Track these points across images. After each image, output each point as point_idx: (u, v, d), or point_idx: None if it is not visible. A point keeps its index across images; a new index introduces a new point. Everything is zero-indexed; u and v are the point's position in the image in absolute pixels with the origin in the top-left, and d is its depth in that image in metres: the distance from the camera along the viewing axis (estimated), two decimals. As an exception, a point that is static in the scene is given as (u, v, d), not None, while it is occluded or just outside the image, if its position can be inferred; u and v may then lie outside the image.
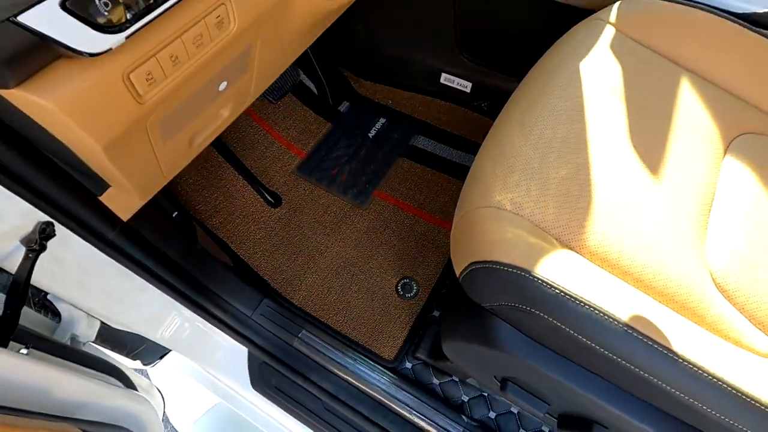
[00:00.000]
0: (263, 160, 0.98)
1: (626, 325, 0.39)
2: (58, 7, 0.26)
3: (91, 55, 0.29)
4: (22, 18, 0.25)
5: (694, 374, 0.39)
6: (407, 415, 0.72)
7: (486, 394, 0.74)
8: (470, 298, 0.50)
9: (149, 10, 0.30)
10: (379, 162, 1.01)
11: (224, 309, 0.75)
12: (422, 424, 0.71)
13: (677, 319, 0.43)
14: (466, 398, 0.74)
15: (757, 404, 0.39)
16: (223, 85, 0.48)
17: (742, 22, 0.63)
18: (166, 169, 0.50)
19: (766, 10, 0.63)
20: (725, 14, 0.63)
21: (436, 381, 0.76)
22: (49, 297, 0.60)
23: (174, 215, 0.74)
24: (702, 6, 0.63)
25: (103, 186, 0.46)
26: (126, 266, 0.56)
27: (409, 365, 0.77)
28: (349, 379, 0.74)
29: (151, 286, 0.62)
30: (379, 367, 0.76)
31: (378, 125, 1.06)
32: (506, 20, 0.85)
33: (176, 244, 0.68)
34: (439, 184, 0.98)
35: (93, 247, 0.50)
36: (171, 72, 0.36)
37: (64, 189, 0.43)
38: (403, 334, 0.80)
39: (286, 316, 0.79)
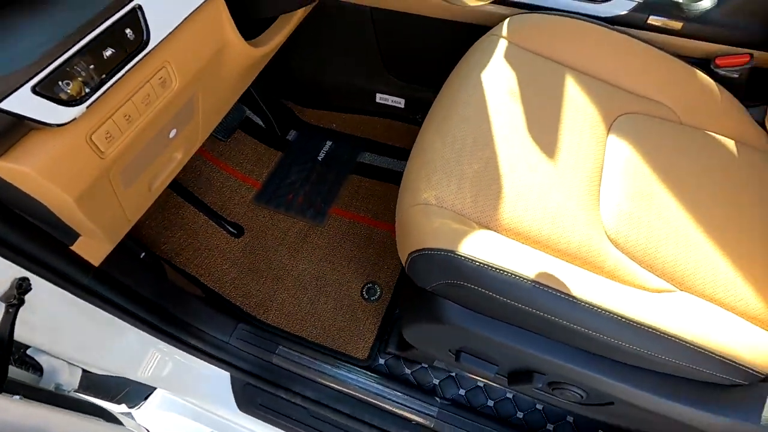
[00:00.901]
0: (221, 195, 1.03)
1: (534, 281, 0.48)
2: (30, 92, 0.32)
3: (59, 125, 0.35)
4: (2, 105, 0.31)
5: (593, 312, 0.48)
6: (386, 406, 0.79)
7: (454, 374, 0.82)
8: (417, 285, 0.58)
9: (103, 83, 0.37)
10: (331, 181, 1.09)
11: (201, 338, 0.79)
12: (401, 412, 0.78)
13: (579, 272, 0.53)
14: (436, 381, 0.82)
15: (645, 327, 0.49)
16: (173, 133, 0.55)
17: (608, 24, 0.76)
18: (130, 213, 0.55)
19: (626, 12, 0.77)
20: (594, 20, 0.76)
21: (408, 371, 0.83)
22: (29, 352, 0.64)
23: (142, 256, 0.79)
24: (575, 15, 0.76)
25: (74, 236, 0.51)
26: (103, 309, 0.60)
27: (382, 361, 0.84)
28: (329, 383, 0.80)
29: (128, 325, 0.66)
30: (356, 367, 0.82)
31: (326, 148, 1.14)
32: (421, 42, 0.95)
33: (147, 283, 0.72)
34: (388, 193, 1.06)
35: (69, 295, 0.54)
36: (126, 129, 0.43)
37: (37, 243, 0.48)
38: (373, 334, 0.86)
39: (262, 336, 0.84)
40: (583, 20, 0.75)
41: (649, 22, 0.76)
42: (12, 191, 0.39)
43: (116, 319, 0.64)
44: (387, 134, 1.16)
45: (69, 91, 0.35)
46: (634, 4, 0.76)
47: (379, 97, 1.13)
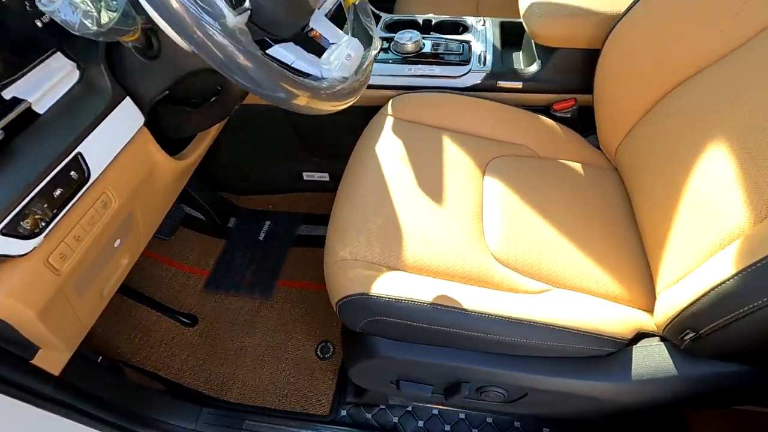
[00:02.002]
0: (172, 289, 1.10)
1: (433, 304, 0.60)
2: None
3: (21, 255, 0.44)
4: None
5: (485, 319, 0.60)
6: (355, 454, 0.84)
7: (410, 408, 0.89)
8: (349, 329, 0.68)
9: (55, 216, 0.47)
10: (275, 257, 1.19)
11: (168, 430, 0.82)
12: (369, 456, 0.84)
13: (473, 289, 0.65)
14: (396, 419, 0.88)
15: (530, 322, 0.61)
16: (117, 242, 0.64)
17: (469, 92, 0.96)
18: (85, 319, 0.62)
19: (479, 81, 0.97)
20: (458, 91, 0.96)
21: (368, 415, 0.89)
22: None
23: (99, 360, 0.83)
24: (443, 90, 0.96)
25: (34, 349, 0.58)
26: (66, 416, 0.64)
27: (344, 412, 0.90)
28: (298, 446, 0.85)
29: (93, 430, 0.70)
30: (320, 424, 0.88)
31: (265, 228, 1.25)
32: (330, 126, 1.12)
33: (108, 386, 0.76)
34: (328, 257, 1.17)
35: (30, 407, 0.59)
36: (76, 247, 0.52)
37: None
38: (332, 389, 0.93)
39: (228, 416, 0.88)
40: (450, 93, 0.95)
41: (498, 85, 0.96)
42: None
43: (80, 425, 0.67)
44: (318, 205, 1.29)
45: (28, 227, 0.44)
46: (483, 74, 0.97)
47: (306, 175, 1.27)
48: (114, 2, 0.42)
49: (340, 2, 0.68)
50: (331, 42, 0.59)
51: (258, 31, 0.50)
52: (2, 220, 0.42)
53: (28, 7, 0.47)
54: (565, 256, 0.72)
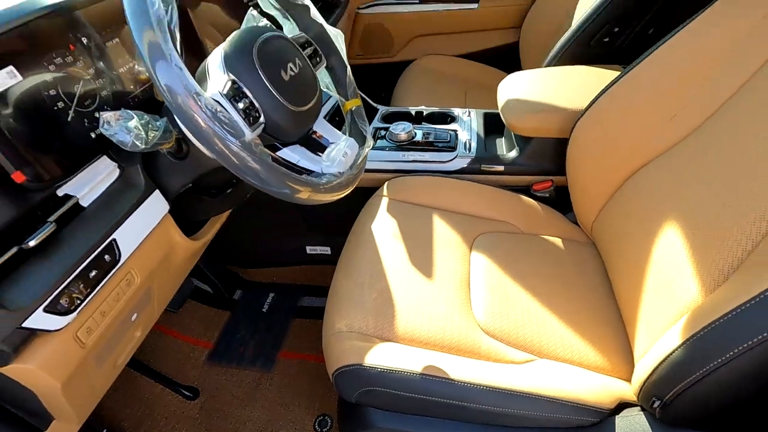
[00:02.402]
0: (176, 362, 1.13)
1: (422, 374, 0.64)
2: (42, 312, 0.48)
3: (57, 330, 0.51)
4: (24, 324, 0.47)
5: (472, 388, 0.64)
6: None
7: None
8: (345, 400, 0.71)
9: (88, 294, 0.54)
10: (277, 329, 1.23)
11: None
12: None
13: (460, 359, 0.69)
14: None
15: (515, 392, 0.65)
16: (134, 316, 0.70)
17: (456, 175, 1.06)
18: (98, 389, 0.67)
19: (466, 165, 1.09)
20: (446, 174, 1.07)
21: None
22: None
23: (103, 433, 0.85)
24: (433, 173, 1.07)
25: (49, 420, 0.62)
26: None
27: (341, 491, 0.89)
28: None
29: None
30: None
31: (269, 300, 1.31)
32: (332, 204, 1.22)
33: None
34: (328, 329, 1.21)
35: None
36: (101, 322, 0.59)
37: (9, 423, 0.58)
38: (329, 465, 0.93)
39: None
40: (439, 176, 1.06)
41: (482, 168, 1.07)
42: (6, 385, 0.51)
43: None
44: (321, 277, 1.36)
45: (65, 305, 0.51)
46: (469, 159, 1.08)
47: (309, 249, 1.35)
48: (157, 123, 0.52)
49: (339, 105, 0.81)
50: (330, 141, 0.70)
51: (269, 138, 0.60)
52: (46, 299, 0.49)
53: (86, 123, 0.58)
54: (548, 327, 0.77)
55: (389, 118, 1.25)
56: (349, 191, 0.65)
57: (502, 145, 1.16)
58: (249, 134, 0.51)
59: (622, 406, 0.66)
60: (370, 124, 1.24)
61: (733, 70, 0.68)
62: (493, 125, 1.21)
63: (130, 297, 0.64)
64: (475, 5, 1.76)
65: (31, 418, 0.60)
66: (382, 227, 0.92)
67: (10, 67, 0.49)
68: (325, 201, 0.62)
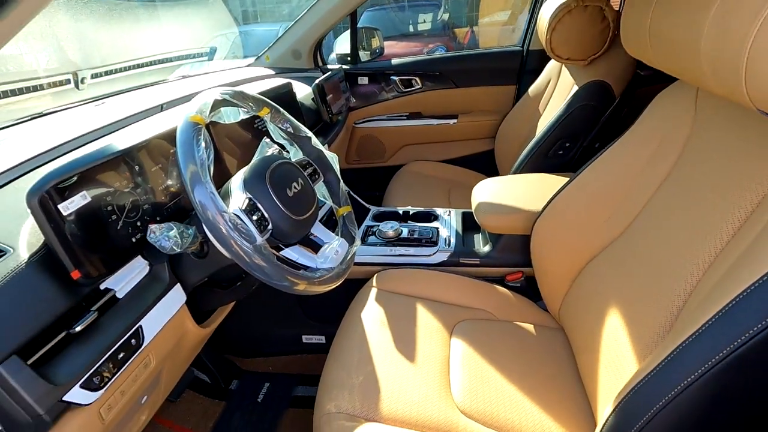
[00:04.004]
0: (169, 454, 1.14)
1: (402, 450, 0.71)
2: (78, 388, 0.58)
3: (88, 404, 0.60)
4: (65, 398, 0.56)
5: (448, 465, 0.70)
6: None
7: None
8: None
9: (115, 373, 0.64)
10: (271, 418, 1.26)
11: None
12: None
13: (439, 439, 0.76)
14: None
15: (487, 469, 0.70)
16: (144, 399, 0.78)
17: (437, 268, 1.20)
18: (104, 470, 0.72)
19: (446, 258, 1.22)
20: (429, 267, 1.20)
21: None
22: None
23: None
24: (417, 266, 1.20)
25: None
26: None
27: None
28: None
29: None
30: None
31: (264, 390, 1.35)
32: (328, 295, 1.34)
33: None
34: (321, 418, 1.24)
35: None
36: (119, 400, 0.67)
37: None
38: None
39: None
40: (423, 269, 1.19)
41: (461, 261, 1.21)
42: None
43: None
44: (316, 365, 1.41)
45: (97, 382, 0.61)
46: (448, 253, 1.22)
47: (305, 338, 1.43)
48: (189, 231, 0.67)
49: (332, 211, 0.97)
50: (325, 241, 0.84)
51: (275, 241, 0.75)
52: (84, 376, 0.59)
53: (130, 230, 0.73)
54: (520, 408, 0.84)
55: (379, 217, 1.42)
56: (339, 282, 0.78)
57: (479, 241, 1.31)
58: (260, 240, 0.66)
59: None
60: (362, 223, 1.41)
61: (645, 183, 0.86)
62: (471, 223, 1.37)
63: (144, 379, 0.73)
64: (454, 120, 2.06)
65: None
66: (371, 315, 1.03)
67: (84, 192, 0.65)
68: (319, 292, 0.74)
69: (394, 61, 2.08)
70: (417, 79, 2.05)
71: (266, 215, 0.70)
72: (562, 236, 1.01)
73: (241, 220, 0.66)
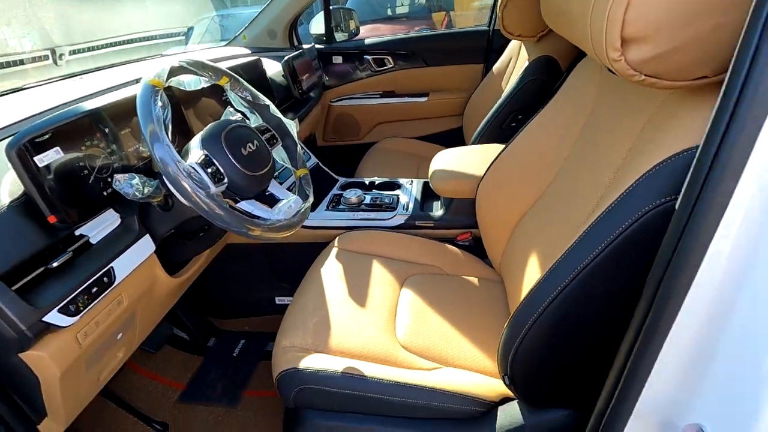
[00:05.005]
0: (150, 399, 1.26)
1: (343, 372, 0.82)
2: (57, 312, 0.68)
3: (65, 327, 0.70)
4: (44, 319, 0.66)
5: (385, 384, 0.81)
6: None
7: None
8: (288, 408, 0.87)
9: (89, 304, 0.74)
10: (245, 371, 1.37)
11: None
12: None
13: (379, 366, 0.87)
14: None
15: (419, 386, 0.82)
16: (119, 336, 0.88)
17: (395, 230, 1.30)
18: (83, 395, 0.83)
19: (403, 221, 1.33)
20: (387, 229, 1.30)
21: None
22: None
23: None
24: (376, 228, 1.30)
25: (42, 415, 0.77)
26: None
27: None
28: None
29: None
30: None
31: (240, 346, 1.46)
32: (295, 257, 1.44)
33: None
34: (290, 369, 1.36)
35: None
36: (94, 330, 0.77)
37: (13, 412, 0.73)
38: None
39: None
40: (381, 230, 1.30)
41: (416, 224, 1.32)
42: (19, 370, 0.68)
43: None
44: (287, 325, 1.52)
45: (73, 309, 0.71)
46: (406, 217, 1.33)
47: (278, 300, 1.54)
48: (152, 182, 0.77)
49: (292, 173, 1.07)
50: (280, 198, 0.94)
51: (231, 194, 0.84)
52: (60, 303, 0.69)
53: (101, 185, 0.82)
54: (454, 344, 0.95)
55: (346, 187, 1.52)
56: (291, 232, 0.88)
57: (437, 207, 1.42)
58: (213, 188, 0.75)
59: (506, 400, 0.83)
60: (329, 192, 1.50)
61: (563, 144, 0.96)
62: (432, 191, 1.47)
63: (118, 316, 0.84)
64: (425, 98, 2.15)
65: (31, 411, 0.75)
66: (330, 271, 1.14)
67: (57, 148, 0.74)
68: (273, 238, 0.84)
69: (367, 41, 2.15)
70: (389, 58, 2.13)
71: (221, 169, 0.79)
72: (500, 196, 1.11)
73: (197, 171, 0.76)
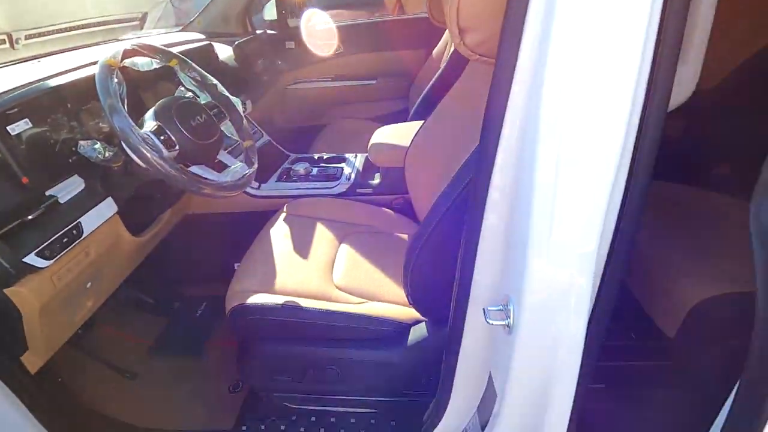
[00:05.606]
0: (121, 353, 1.40)
1: (285, 303, 0.99)
2: (34, 255, 0.82)
3: (41, 268, 0.84)
4: (24, 259, 0.80)
5: (317, 311, 1.00)
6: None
7: (314, 419, 1.17)
8: (241, 345, 1.04)
9: (61, 250, 0.88)
10: (207, 328, 1.52)
11: None
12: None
13: (316, 301, 1.05)
14: (283, 427, 1.16)
15: (346, 312, 1.00)
16: (89, 284, 1.03)
17: (339, 197, 1.47)
18: (59, 334, 0.97)
19: (345, 189, 1.50)
20: (332, 196, 1.48)
21: (262, 426, 1.16)
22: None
23: (59, 380, 1.11)
24: (321, 196, 1.47)
25: (24, 348, 0.91)
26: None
27: (244, 427, 1.17)
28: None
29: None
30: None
31: (202, 307, 1.61)
32: (249, 223, 1.59)
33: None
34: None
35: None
36: (66, 275, 0.92)
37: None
38: (237, 410, 1.21)
39: None
40: (326, 197, 1.47)
41: (357, 191, 1.50)
42: (3, 304, 0.82)
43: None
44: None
45: (47, 254, 0.85)
46: (348, 185, 1.50)
47: (236, 265, 1.68)
48: (112, 148, 0.91)
49: (239, 143, 1.22)
50: (229, 165, 1.10)
51: (182, 160, 0.99)
52: (37, 248, 0.83)
53: (66, 153, 0.95)
54: (380, 283, 1.14)
55: (296, 161, 1.68)
56: (237, 192, 1.04)
57: (378, 177, 1.60)
58: (166, 153, 0.91)
59: (418, 322, 1.03)
60: (281, 166, 1.66)
61: (459, 115, 1.16)
62: (373, 164, 1.65)
63: (87, 265, 0.98)
64: (374, 81, 2.31)
65: (14, 343, 0.89)
66: (278, 232, 1.30)
67: (26, 119, 0.87)
68: (223, 197, 1.00)
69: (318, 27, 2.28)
70: (340, 44, 2.27)
71: (172, 137, 0.94)
72: (422, 162, 1.30)
73: (152, 138, 0.90)
